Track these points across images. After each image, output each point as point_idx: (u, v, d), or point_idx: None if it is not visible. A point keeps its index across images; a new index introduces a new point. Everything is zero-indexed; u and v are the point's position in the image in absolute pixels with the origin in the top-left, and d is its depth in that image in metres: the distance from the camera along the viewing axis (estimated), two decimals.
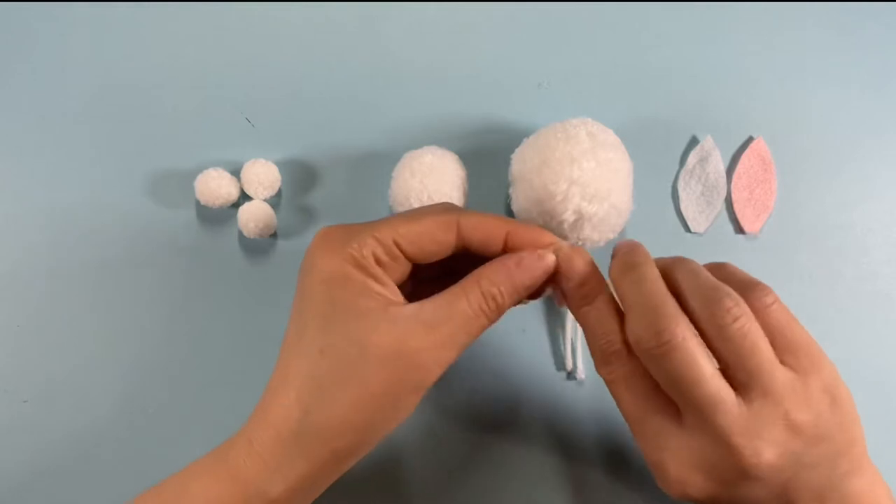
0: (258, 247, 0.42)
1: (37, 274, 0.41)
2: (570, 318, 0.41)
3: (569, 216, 0.36)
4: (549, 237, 0.31)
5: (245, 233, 0.40)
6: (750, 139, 0.44)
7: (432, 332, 0.28)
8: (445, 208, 0.31)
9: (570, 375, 0.41)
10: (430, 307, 0.28)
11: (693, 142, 0.44)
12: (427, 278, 0.33)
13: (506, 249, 0.30)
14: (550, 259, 0.30)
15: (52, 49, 0.44)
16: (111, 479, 0.40)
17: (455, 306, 0.29)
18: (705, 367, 0.28)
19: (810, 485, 0.29)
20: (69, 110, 0.43)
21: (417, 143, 0.41)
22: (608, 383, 0.31)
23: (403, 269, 0.30)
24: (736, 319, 0.28)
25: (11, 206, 0.42)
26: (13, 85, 0.43)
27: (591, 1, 0.45)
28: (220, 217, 0.42)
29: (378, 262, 0.29)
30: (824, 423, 0.28)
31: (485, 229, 0.30)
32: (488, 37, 0.44)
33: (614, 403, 0.41)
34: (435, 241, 0.30)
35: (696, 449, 0.29)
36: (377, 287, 0.29)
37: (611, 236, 0.38)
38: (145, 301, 0.41)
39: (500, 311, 0.29)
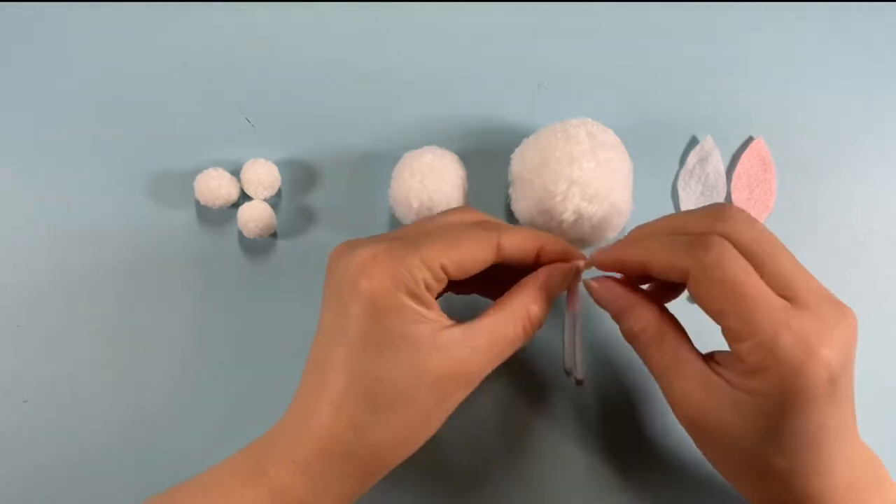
0: (258, 247, 0.42)
1: (37, 274, 0.41)
2: (569, 318, 0.41)
3: (568, 216, 0.36)
4: (571, 251, 0.34)
5: (245, 233, 0.40)
6: (750, 139, 0.44)
7: (479, 354, 0.30)
8: (487, 227, 0.32)
9: (570, 375, 0.41)
10: (480, 332, 0.30)
11: (693, 142, 0.44)
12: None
13: (537, 260, 0.33)
14: (574, 269, 0.33)
15: (52, 49, 0.44)
16: (111, 478, 0.40)
17: (502, 331, 0.31)
18: (757, 276, 0.28)
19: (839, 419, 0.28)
20: (69, 110, 0.43)
21: (417, 143, 0.41)
22: (637, 343, 0.32)
23: (444, 286, 0.31)
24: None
25: (11, 207, 0.42)
26: (13, 85, 0.43)
27: (591, 1, 0.45)
28: (220, 217, 0.42)
29: (427, 287, 0.30)
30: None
31: (522, 248, 0.32)
32: (488, 37, 0.44)
33: (614, 403, 0.41)
34: (476, 261, 0.31)
35: (743, 375, 0.28)
36: (427, 313, 0.29)
37: (611, 236, 0.38)
38: (145, 301, 0.41)
39: (538, 327, 0.32)
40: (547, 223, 0.37)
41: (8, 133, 0.43)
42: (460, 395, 0.31)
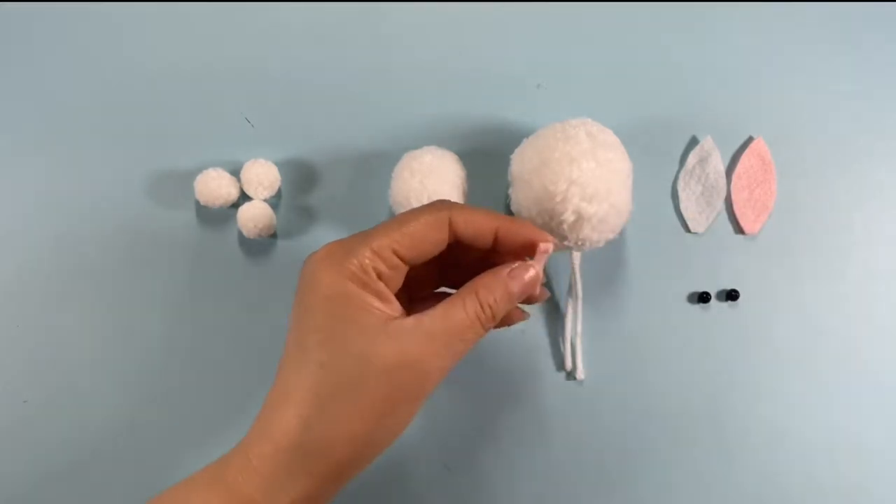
0: (258, 247, 0.42)
1: (37, 274, 0.41)
2: (569, 318, 0.41)
3: (568, 216, 0.36)
4: (536, 232, 0.32)
5: (245, 233, 0.40)
6: (750, 139, 0.44)
7: (431, 341, 0.29)
8: (437, 207, 0.31)
9: (570, 375, 0.41)
10: (429, 318, 0.29)
11: (693, 142, 0.44)
12: (423, 273, 0.33)
13: (496, 243, 0.32)
14: (538, 269, 0.32)
15: (52, 50, 0.44)
16: (111, 478, 0.40)
17: (452, 315, 0.30)
18: None
19: None
20: (69, 111, 0.43)
21: (417, 143, 0.41)
22: None
23: (402, 274, 0.31)
24: None
25: (12, 207, 0.42)
26: (13, 85, 0.43)
27: (591, 1, 0.45)
28: (220, 217, 0.42)
29: (379, 275, 0.29)
30: None
31: (476, 225, 0.31)
32: (488, 37, 0.44)
33: (614, 403, 0.41)
34: (430, 242, 0.30)
35: None
36: (377, 303, 0.29)
37: (610, 236, 0.38)
38: (145, 301, 0.41)
39: (494, 319, 0.31)
40: (547, 223, 0.37)
41: (8, 133, 0.43)
42: (413, 388, 0.29)
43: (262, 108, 0.43)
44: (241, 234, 0.42)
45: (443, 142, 0.41)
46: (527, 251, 0.32)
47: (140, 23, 0.44)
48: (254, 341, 0.41)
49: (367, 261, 0.29)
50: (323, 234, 0.42)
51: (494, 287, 0.30)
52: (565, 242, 0.37)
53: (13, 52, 0.43)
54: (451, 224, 0.31)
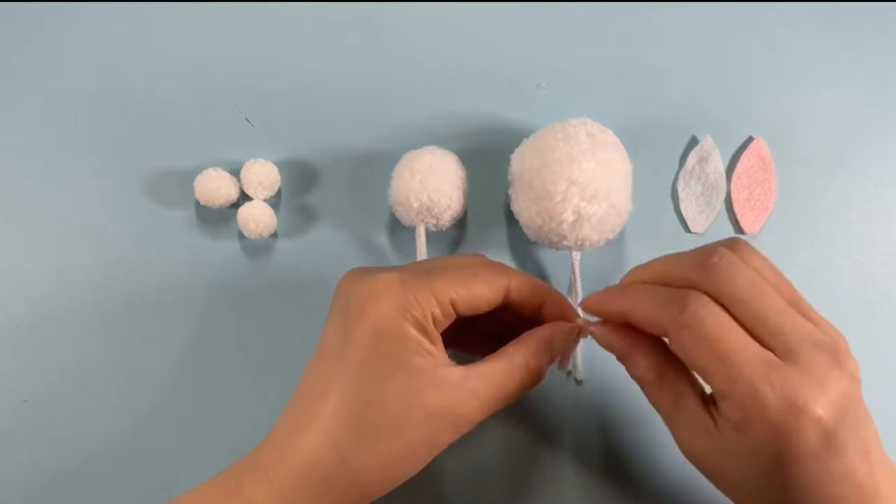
0: (258, 247, 0.42)
1: (36, 274, 0.41)
2: None
3: (568, 216, 0.36)
4: (574, 311, 0.34)
5: (245, 233, 0.40)
6: (750, 139, 0.44)
7: (474, 399, 0.30)
8: (495, 268, 0.32)
9: (570, 375, 0.41)
10: (477, 378, 0.30)
11: (693, 142, 0.44)
12: None
13: (538, 313, 0.33)
14: (577, 330, 0.33)
15: (52, 49, 0.44)
16: (111, 478, 0.40)
17: (500, 379, 0.30)
18: (738, 331, 0.27)
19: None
20: (69, 110, 0.43)
21: (417, 143, 0.41)
22: (640, 385, 0.32)
23: (450, 321, 0.31)
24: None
25: (11, 207, 0.42)
26: (13, 85, 0.43)
27: (591, 1, 0.45)
28: (220, 217, 0.42)
29: (435, 321, 0.30)
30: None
31: (528, 295, 0.32)
32: (488, 37, 0.44)
33: (614, 404, 0.41)
34: (485, 301, 0.31)
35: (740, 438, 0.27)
36: (430, 347, 0.29)
37: (610, 236, 0.38)
38: (145, 301, 0.41)
39: (539, 382, 0.32)
40: (546, 223, 0.37)
41: (8, 133, 0.43)
42: (448, 438, 0.30)
43: (262, 108, 0.43)
44: (241, 234, 0.42)
45: (443, 142, 0.41)
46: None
47: (140, 22, 0.44)
48: (254, 341, 0.41)
49: (426, 303, 0.29)
50: (323, 234, 0.42)
51: (542, 355, 0.32)
52: (565, 242, 0.37)
53: (13, 52, 0.43)
54: (507, 291, 0.31)
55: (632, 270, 0.32)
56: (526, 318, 0.33)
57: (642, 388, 0.32)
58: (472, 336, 0.36)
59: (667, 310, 0.28)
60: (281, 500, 0.28)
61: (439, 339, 0.30)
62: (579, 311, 0.34)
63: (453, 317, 0.30)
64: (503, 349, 0.31)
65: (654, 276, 0.31)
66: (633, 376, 0.32)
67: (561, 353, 0.33)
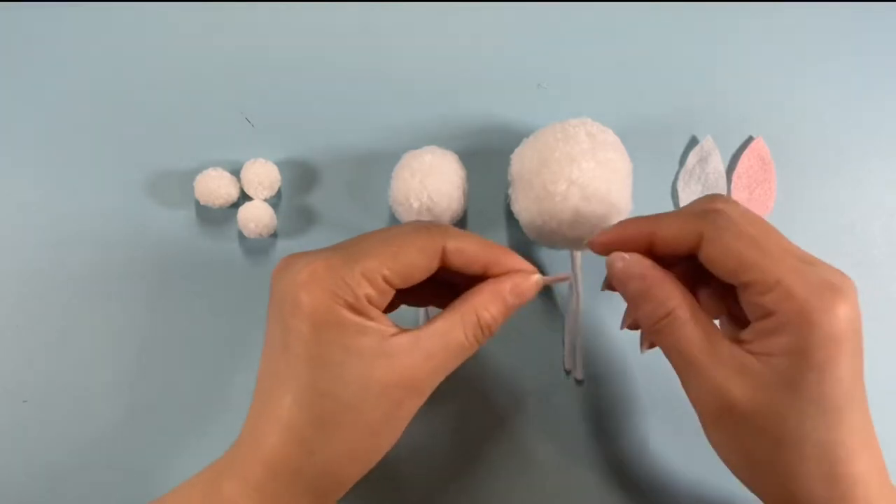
0: (258, 247, 0.42)
1: (37, 274, 0.41)
2: (569, 317, 0.41)
3: (568, 216, 0.36)
4: (525, 265, 0.32)
5: (245, 233, 0.40)
6: (750, 139, 0.44)
7: (428, 360, 0.29)
8: (430, 233, 0.31)
9: (570, 375, 0.41)
10: (427, 338, 0.29)
11: (693, 142, 0.44)
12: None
13: (485, 272, 0.31)
14: (537, 279, 0.31)
15: (52, 49, 0.44)
16: (111, 479, 0.40)
17: (451, 336, 0.30)
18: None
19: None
20: (68, 110, 0.43)
21: (417, 143, 0.41)
22: (666, 326, 0.30)
23: (389, 296, 0.30)
24: None
25: (11, 207, 0.42)
26: (13, 85, 0.43)
27: (591, 1, 0.45)
28: (220, 217, 0.42)
29: (370, 301, 0.29)
30: None
31: (466, 256, 0.31)
32: (488, 37, 0.44)
33: (614, 403, 0.41)
34: (420, 270, 0.30)
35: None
36: (371, 324, 0.29)
37: None
38: (145, 301, 0.41)
39: (491, 335, 0.31)
40: (547, 223, 0.37)
41: (8, 133, 0.43)
42: (411, 405, 0.30)
43: (262, 108, 0.43)
44: (241, 234, 0.42)
45: (443, 142, 0.41)
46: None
47: (140, 22, 0.44)
48: (254, 341, 0.41)
49: (356, 287, 0.28)
50: (323, 234, 0.42)
51: (493, 306, 0.30)
52: (565, 242, 0.37)
53: (12, 52, 0.43)
54: (443, 253, 0.30)
55: (612, 228, 0.32)
56: (476, 278, 0.32)
57: (670, 330, 0.29)
58: (429, 294, 0.34)
59: (702, 217, 0.29)
60: (259, 497, 0.29)
61: (379, 313, 0.29)
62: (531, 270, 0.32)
63: (390, 292, 0.30)
64: (453, 303, 0.31)
65: (645, 231, 0.31)
66: (657, 316, 0.29)
67: (517, 303, 0.31)
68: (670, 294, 0.29)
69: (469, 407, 0.41)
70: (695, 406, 0.30)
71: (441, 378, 0.30)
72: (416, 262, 0.30)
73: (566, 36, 0.44)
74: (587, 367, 0.41)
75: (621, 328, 0.35)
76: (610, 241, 0.31)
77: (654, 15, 0.45)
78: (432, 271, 0.31)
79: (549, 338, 0.42)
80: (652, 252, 0.31)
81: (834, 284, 0.27)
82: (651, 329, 0.30)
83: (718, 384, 0.28)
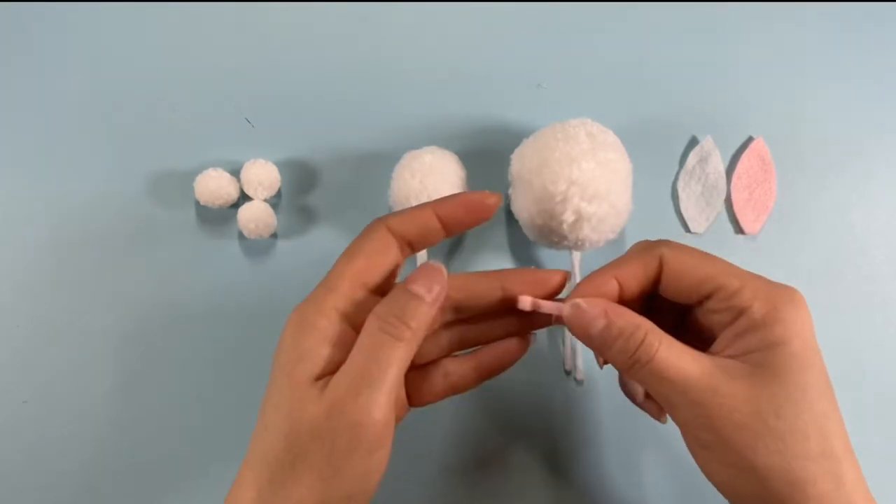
0: (258, 247, 0.42)
1: (37, 274, 0.41)
2: None
3: (568, 216, 0.36)
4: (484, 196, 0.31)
5: (245, 233, 0.40)
6: (750, 139, 0.44)
7: (352, 383, 0.27)
8: (373, 224, 0.30)
9: (570, 375, 0.41)
10: (347, 361, 0.27)
11: (693, 142, 0.44)
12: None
13: (447, 230, 0.31)
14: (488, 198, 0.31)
15: (53, 49, 0.44)
16: (111, 478, 0.40)
17: (360, 344, 0.28)
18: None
19: None
20: (69, 111, 0.43)
21: (417, 143, 0.41)
22: (625, 342, 0.29)
23: (373, 300, 0.29)
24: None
25: (11, 207, 0.42)
26: (13, 85, 0.43)
27: (591, 1, 0.45)
28: (220, 217, 0.42)
29: (345, 316, 0.28)
30: None
31: (415, 220, 0.30)
32: (488, 37, 0.44)
33: (613, 403, 0.41)
34: (384, 256, 0.30)
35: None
36: (324, 351, 0.28)
37: (610, 236, 0.38)
38: (145, 301, 0.41)
39: (407, 324, 0.28)
40: (547, 223, 0.37)
41: (8, 133, 0.43)
42: (347, 438, 0.27)
43: (262, 108, 0.43)
44: (241, 234, 0.42)
45: (443, 142, 0.41)
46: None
47: (140, 23, 0.44)
48: (254, 342, 0.41)
49: (323, 301, 0.28)
50: (323, 234, 0.42)
51: (393, 297, 0.28)
52: (565, 242, 0.37)
53: (13, 52, 0.43)
54: (390, 231, 0.30)
55: (576, 290, 0.31)
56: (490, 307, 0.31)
57: (646, 361, 0.28)
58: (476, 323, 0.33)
59: (655, 247, 0.30)
60: None
61: (351, 334, 0.28)
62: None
63: (367, 293, 0.29)
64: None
65: (608, 277, 0.31)
66: (629, 353, 0.28)
67: (428, 291, 0.29)
68: (638, 322, 0.29)
69: (469, 407, 0.41)
70: (690, 429, 0.29)
71: (377, 398, 0.27)
72: (374, 248, 0.29)
73: (566, 36, 0.44)
74: (587, 367, 0.41)
75: (601, 367, 0.35)
76: (589, 293, 0.31)
77: (653, 15, 0.45)
78: (396, 257, 0.30)
79: (549, 338, 0.42)
80: (620, 299, 0.31)
81: (788, 288, 0.29)
82: (628, 364, 0.29)
83: (713, 393, 0.28)
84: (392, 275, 0.30)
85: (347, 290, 0.29)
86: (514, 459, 0.40)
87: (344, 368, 0.27)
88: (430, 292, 0.29)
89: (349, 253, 0.30)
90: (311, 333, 0.28)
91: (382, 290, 0.30)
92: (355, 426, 0.26)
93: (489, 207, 0.31)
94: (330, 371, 0.28)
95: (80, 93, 0.43)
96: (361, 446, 0.27)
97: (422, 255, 0.39)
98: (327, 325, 0.28)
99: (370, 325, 0.28)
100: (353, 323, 0.29)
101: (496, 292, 0.31)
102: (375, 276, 0.30)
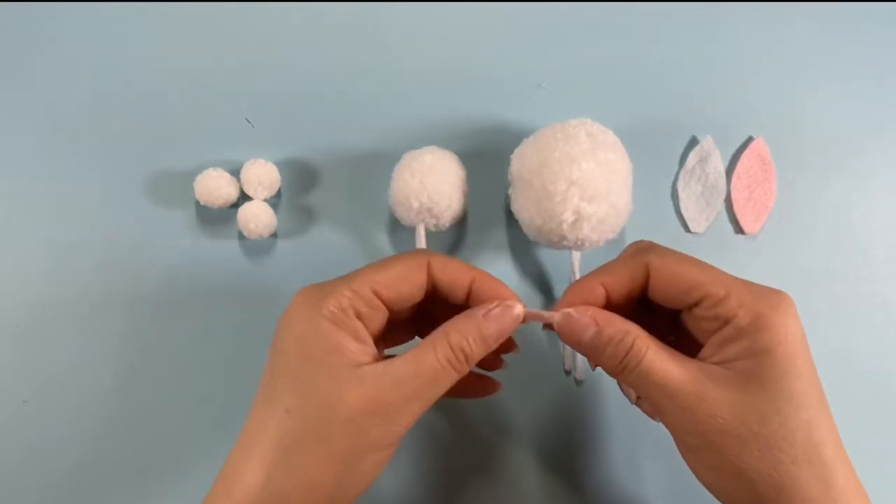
0: (258, 247, 0.42)
1: (37, 274, 0.41)
2: None
3: (568, 216, 0.36)
4: (507, 291, 0.31)
5: (245, 233, 0.40)
6: (750, 139, 0.44)
7: (400, 386, 0.28)
8: (415, 252, 0.31)
9: (570, 375, 0.41)
10: (399, 362, 0.28)
11: (693, 142, 0.44)
12: (400, 322, 0.33)
13: (469, 296, 0.31)
14: (519, 309, 0.30)
15: (53, 49, 0.44)
16: (110, 478, 0.40)
17: (423, 361, 0.29)
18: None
19: None
20: (69, 111, 0.43)
21: (417, 143, 0.41)
22: (616, 347, 0.30)
23: (382, 317, 0.30)
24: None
25: (11, 207, 0.42)
26: (14, 85, 0.43)
27: (591, 1, 0.45)
28: (220, 217, 0.42)
29: (358, 315, 0.29)
30: None
31: (451, 271, 0.31)
32: (488, 37, 0.44)
33: (613, 403, 0.41)
34: (409, 283, 0.30)
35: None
36: (352, 344, 0.29)
37: (610, 236, 0.38)
38: (145, 301, 0.41)
39: (469, 363, 0.29)
40: (546, 223, 0.37)
41: (9, 133, 0.43)
42: (379, 433, 0.28)
43: (262, 108, 0.43)
44: (241, 234, 0.42)
45: (443, 142, 0.41)
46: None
47: (140, 23, 0.44)
48: (254, 341, 0.41)
49: (345, 300, 0.29)
50: (323, 234, 0.42)
51: (467, 330, 0.29)
52: (565, 242, 0.37)
53: (12, 52, 0.43)
54: (429, 268, 0.31)
55: (563, 298, 0.32)
56: (461, 305, 0.31)
57: (635, 366, 0.29)
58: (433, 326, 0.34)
59: (642, 255, 0.30)
60: None
61: (366, 333, 0.29)
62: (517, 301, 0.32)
63: (382, 308, 0.30)
64: (433, 333, 0.30)
65: (596, 284, 0.31)
66: (619, 359, 0.29)
67: (498, 335, 0.30)
68: (627, 328, 0.29)
69: (469, 406, 0.41)
70: (678, 432, 0.30)
71: (416, 407, 0.29)
72: (404, 275, 0.30)
73: (566, 36, 0.44)
74: (587, 367, 0.41)
75: (593, 369, 0.36)
76: (576, 302, 0.31)
77: (653, 15, 0.45)
78: (422, 286, 0.31)
79: (549, 338, 0.42)
80: (608, 304, 0.31)
81: (777, 293, 0.29)
82: (618, 369, 0.29)
83: (699, 399, 0.28)
84: (409, 302, 0.31)
85: (368, 296, 0.29)
86: (514, 459, 0.40)
87: (397, 371, 0.28)
88: (496, 340, 0.30)
89: (383, 264, 0.30)
90: (342, 325, 0.29)
91: (394, 309, 0.31)
92: (391, 425, 0.28)
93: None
94: (360, 363, 0.28)
95: (80, 93, 0.43)
96: (388, 444, 0.29)
97: (421, 243, 0.39)
98: (355, 323, 0.29)
99: (441, 345, 0.29)
100: (349, 319, 0.29)
101: (467, 287, 0.31)
102: (394, 295, 0.30)
